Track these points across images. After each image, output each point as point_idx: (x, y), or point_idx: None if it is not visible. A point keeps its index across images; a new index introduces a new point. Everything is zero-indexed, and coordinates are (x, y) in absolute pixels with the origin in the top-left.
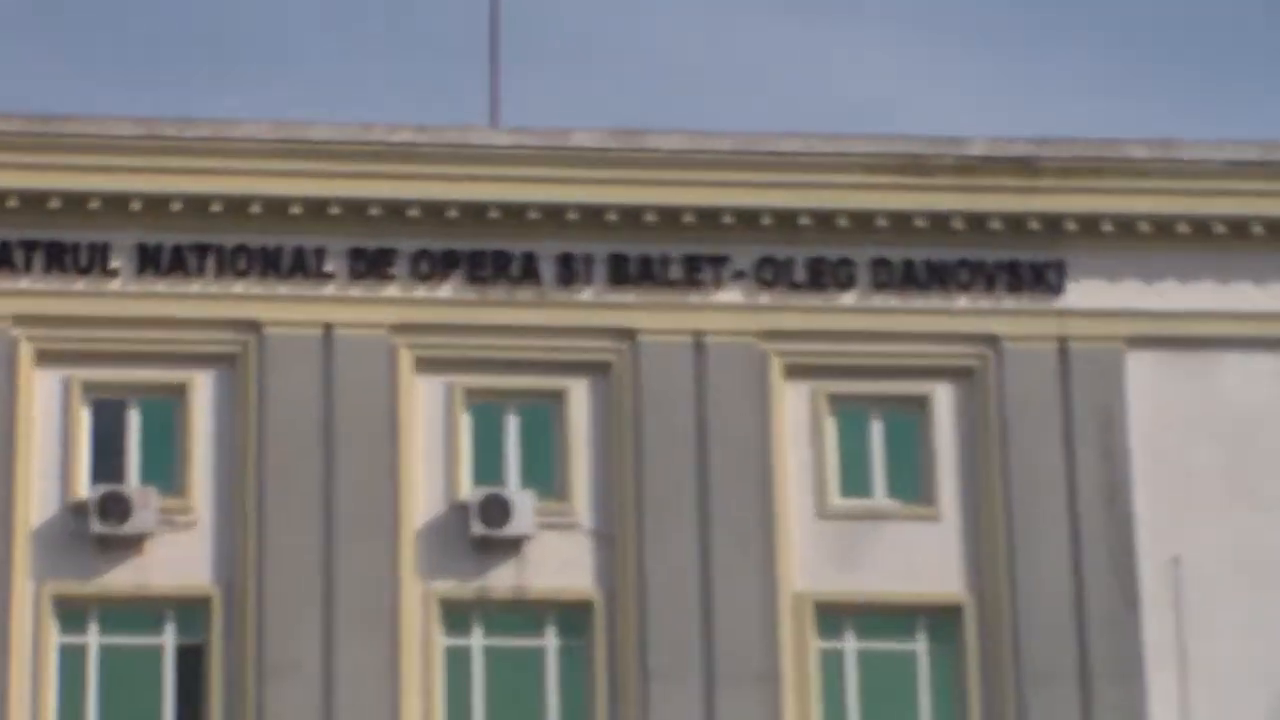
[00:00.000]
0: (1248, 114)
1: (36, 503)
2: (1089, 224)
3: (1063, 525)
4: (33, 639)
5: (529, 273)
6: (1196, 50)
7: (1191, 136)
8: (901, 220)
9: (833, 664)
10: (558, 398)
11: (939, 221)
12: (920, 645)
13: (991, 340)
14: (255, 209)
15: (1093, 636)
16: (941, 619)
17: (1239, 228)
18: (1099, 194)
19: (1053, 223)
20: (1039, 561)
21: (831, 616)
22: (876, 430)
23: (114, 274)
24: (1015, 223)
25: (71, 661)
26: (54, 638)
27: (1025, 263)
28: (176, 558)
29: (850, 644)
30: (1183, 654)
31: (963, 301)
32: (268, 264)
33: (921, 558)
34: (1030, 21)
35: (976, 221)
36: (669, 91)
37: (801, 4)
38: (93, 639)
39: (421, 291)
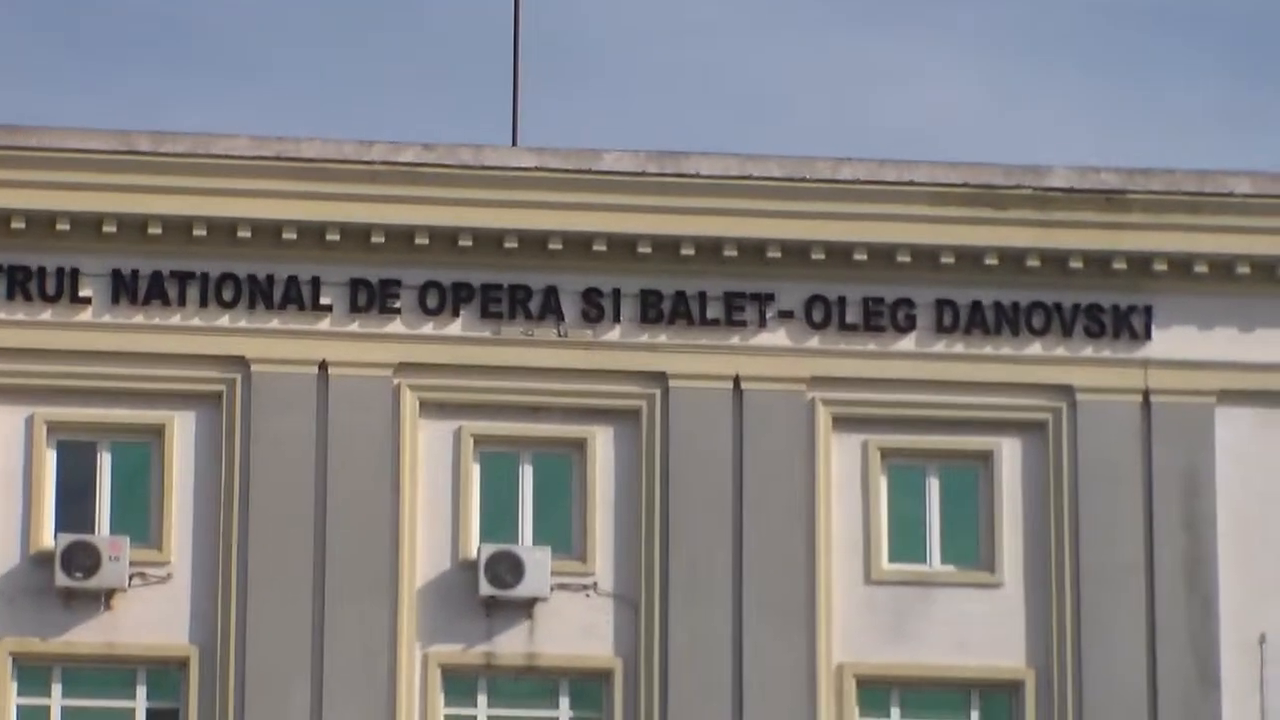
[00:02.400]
0: None
1: None
2: (1181, 265)
3: (1138, 598)
4: None
5: (549, 308)
6: None
7: None
8: (970, 257)
9: None
10: (578, 447)
11: (1012, 259)
12: None
13: (1066, 391)
14: (244, 233)
15: (1165, 717)
16: (998, 695)
17: None
18: (1193, 231)
19: (1140, 263)
20: (1109, 636)
21: (876, 691)
22: (933, 489)
23: (84, 303)
24: (1098, 262)
25: None
26: (13, 699)
27: (1108, 306)
28: (149, 615)
29: None
30: None
31: (1035, 348)
32: (257, 294)
33: (978, 629)
34: (1120, 41)
35: (1055, 260)
36: (710, 112)
37: (861, 14)
38: (55, 701)
39: (429, 328)
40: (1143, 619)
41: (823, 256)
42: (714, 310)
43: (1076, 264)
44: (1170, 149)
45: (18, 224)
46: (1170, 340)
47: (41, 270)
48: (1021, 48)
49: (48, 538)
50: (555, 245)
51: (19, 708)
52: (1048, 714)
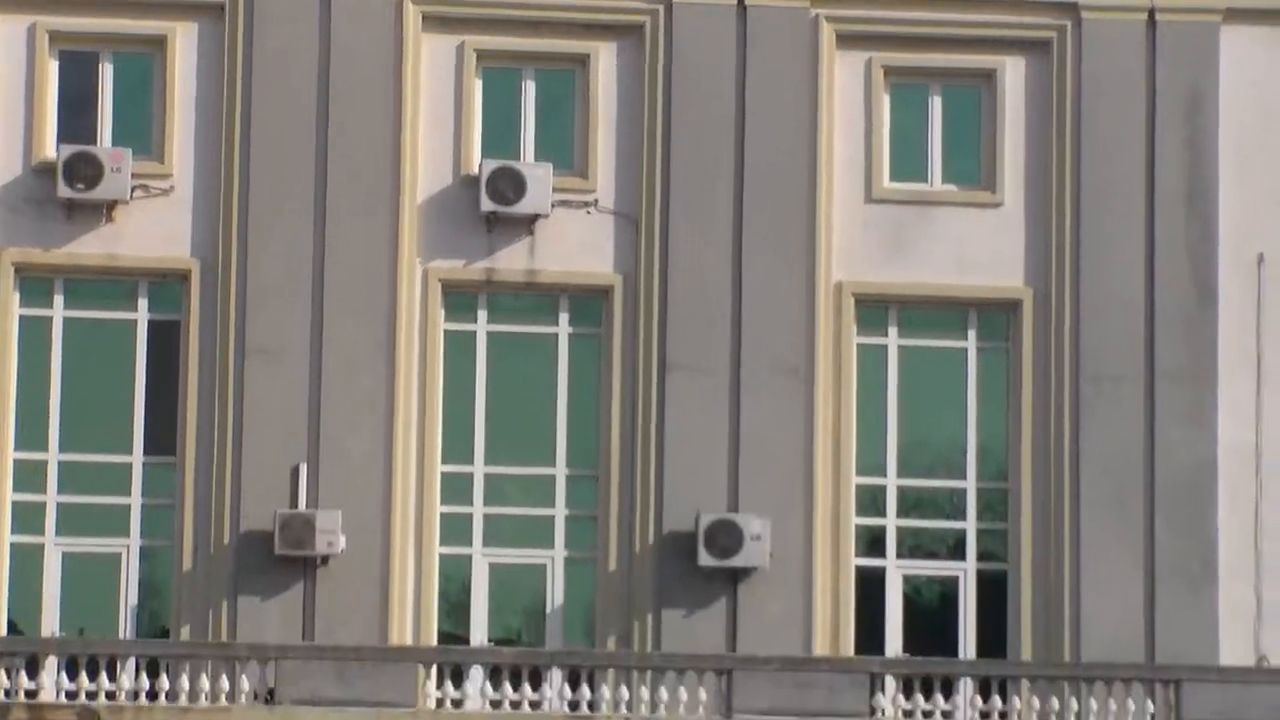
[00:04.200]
0: None
1: None
2: None
3: (1138, 217)
4: None
5: None
6: None
7: None
8: None
9: (873, 359)
10: (581, 63)
11: None
12: (970, 342)
13: (1070, 9)
14: None
15: (1162, 336)
16: (996, 314)
17: None
18: None
19: None
20: (1108, 254)
21: (874, 309)
22: (935, 107)
23: None
24: None
25: (33, 334)
26: (15, 310)
27: None
28: (151, 227)
29: (893, 339)
30: (1260, 358)
31: None
32: None
33: (978, 248)
34: None
35: None
36: None
37: None
38: (58, 312)
39: None
40: (1142, 238)
41: None
42: None
43: None
44: None
45: None
46: None
47: None
48: None
49: (50, 148)
50: None
51: (21, 318)
52: (1045, 332)
